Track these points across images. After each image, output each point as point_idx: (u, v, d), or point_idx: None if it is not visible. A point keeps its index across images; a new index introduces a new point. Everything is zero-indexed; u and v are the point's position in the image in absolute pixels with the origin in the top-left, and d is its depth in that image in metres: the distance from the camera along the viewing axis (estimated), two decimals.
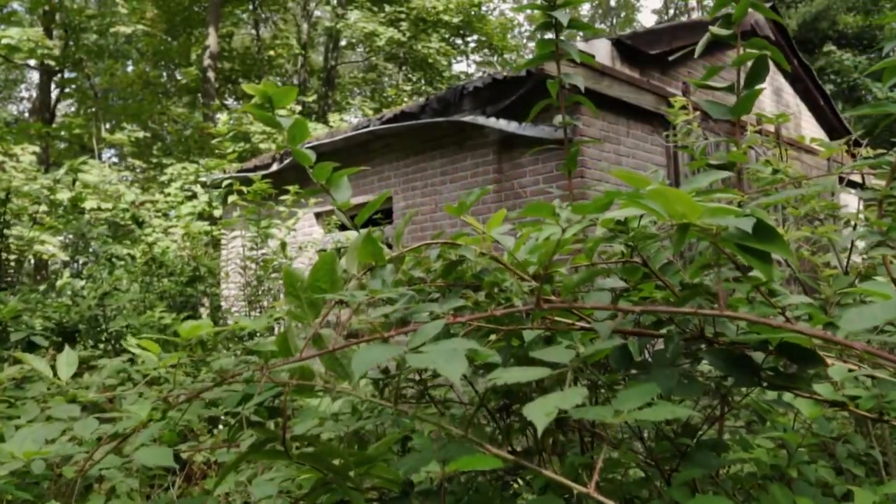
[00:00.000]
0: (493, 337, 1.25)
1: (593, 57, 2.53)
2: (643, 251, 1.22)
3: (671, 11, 37.07)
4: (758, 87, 2.06)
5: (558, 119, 2.45)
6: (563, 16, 2.21)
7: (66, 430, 1.49)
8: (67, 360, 1.26)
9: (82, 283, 6.42)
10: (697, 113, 2.74)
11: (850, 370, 1.12)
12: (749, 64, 2.09)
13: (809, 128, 9.18)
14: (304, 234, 8.10)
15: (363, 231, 1.08)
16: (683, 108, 2.77)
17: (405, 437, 1.36)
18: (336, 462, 1.07)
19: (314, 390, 0.97)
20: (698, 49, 2.27)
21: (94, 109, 18.56)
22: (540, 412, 0.63)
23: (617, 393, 1.63)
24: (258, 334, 4.77)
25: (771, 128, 6.72)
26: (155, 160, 16.89)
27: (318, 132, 13.07)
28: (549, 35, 2.45)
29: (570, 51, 2.23)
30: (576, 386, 0.76)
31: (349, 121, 19.06)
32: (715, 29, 2.15)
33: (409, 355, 0.71)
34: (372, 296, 1.08)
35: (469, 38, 21.16)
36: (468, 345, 0.77)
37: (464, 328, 1.17)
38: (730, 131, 6.94)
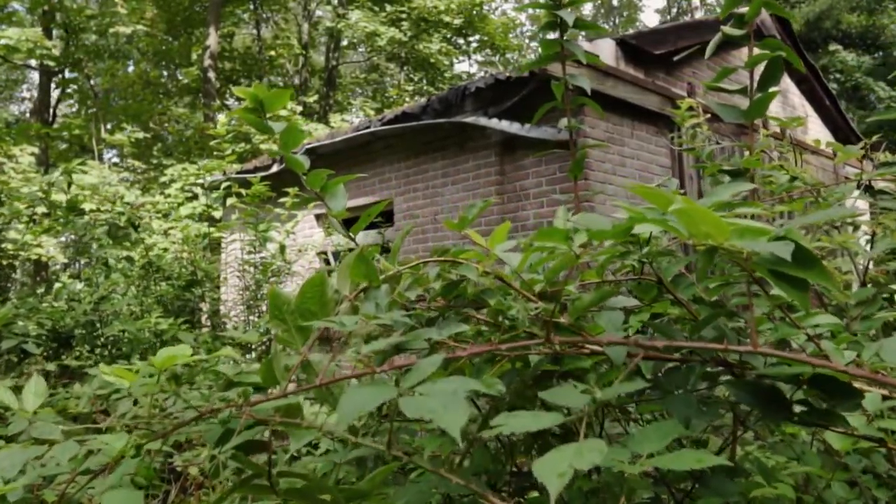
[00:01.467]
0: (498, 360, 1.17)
1: (597, 57, 2.44)
2: (658, 267, 1.14)
3: (674, 11, 36.96)
4: (771, 90, 1.97)
5: (564, 122, 2.36)
6: (568, 16, 2.12)
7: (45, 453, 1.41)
8: (35, 389, 1.17)
9: (81, 285, 6.35)
10: (708, 115, 2.65)
11: (885, 398, 1.03)
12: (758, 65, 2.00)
13: (815, 128, 9.09)
14: (305, 236, 8.02)
15: (355, 249, 1.00)
16: (691, 109, 2.68)
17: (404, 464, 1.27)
18: (326, 497, 0.99)
19: (302, 427, 0.89)
20: (709, 50, 2.18)
21: (94, 110, 18.49)
22: (552, 473, 0.54)
23: (627, 411, 1.54)
24: (252, 348, 4.67)
25: (776, 127, 6.63)
26: (155, 161, 16.82)
27: (318, 133, 13.00)
28: (554, 35, 2.37)
29: (575, 51, 2.14)
30: (592, 437, 0.68)
31: (350, 121, 18.99)
32: (727, 29, 2.06)
33: (403, 401, 0.63)
34: (365, 320, 0.99)
35: (471, 38, 21.07)
36: (469, 384, 0.69)
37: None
38: (736, 133, 6.85)
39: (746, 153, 2.20)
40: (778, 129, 6.78)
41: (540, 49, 2.23)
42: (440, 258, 1.06)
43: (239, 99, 22.39)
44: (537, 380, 1.18)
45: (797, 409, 0.92)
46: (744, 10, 2.11)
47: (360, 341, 0.98)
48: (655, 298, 1.24)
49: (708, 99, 6.91)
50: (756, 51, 1.98)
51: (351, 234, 1.67)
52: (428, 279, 1.13)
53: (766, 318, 1.22)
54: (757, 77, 2.05)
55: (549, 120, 5.70)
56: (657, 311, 1.36)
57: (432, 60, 18.83)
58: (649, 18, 64.88)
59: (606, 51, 5.94)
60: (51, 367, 2.94)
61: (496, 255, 1.04)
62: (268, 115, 1.69)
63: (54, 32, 17.83)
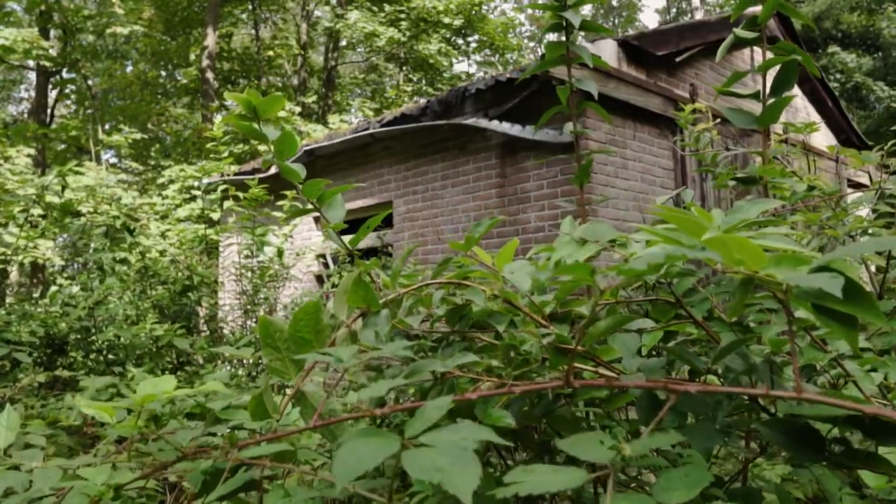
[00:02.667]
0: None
1: (600, 59, 2.37)
2: (678, 289, 1.06)
3: (673, 11, 36.91)
4: (786, 94, 1.90)
5: (569, 126, 2.29)
6: (574, 17, 2.05)
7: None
8: (8, 423, 1.10)
9: (76, 288, 6.27)
10: (718, 120, 2.57)
11: None
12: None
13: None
14: (303, 239, 7.94)
15: (353, 271, 0.92)
16: (698, 112, 2.60)
17: None
18: None
19: (294, 475, 0.82)
20: (720, 53, 2.11)
21: (91, 111, 18.40)
22: None
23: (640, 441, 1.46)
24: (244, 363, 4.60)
25: (778, 128, 6.56)
26: (153, 162, 16.74)
27: (316, 134, 12.91)
28: (556, 37, 2.30)
29: (582, 54, 2.07)
30: (617, 492, 0.60)
31: (349, 121, 18.91)
32: (739, 31, 1.98)
33: (407, 457, 0.55)
34: (363, 348, 0.92)
35: (470, 38, 20.98)
36: (480, 433, 0.62)
37: (470, 383, 1.01)
38: (740, 135, 6.78)
39: (759, 160, 2.13)
40: (780, 131, 6.70)
41: (544, 50, 2.16)
42: (445, 280, 0.99)
43: None
44: (547, 406, 1.11)
45: (833, 447, 0.85)
46: (755, 9, 2.04)
47: (359, 370, 0.91)
48: (671, 319, 1.17)
49: (713, 101, 6.84)
50: (766, 54, 1.91)
51: (349, 248, 1.60)
52: (430, 300, 1.06)
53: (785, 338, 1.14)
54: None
55: (551, 122, 5.63)
56: (672, 328, 1.29)
57: (431, 61, 18.75)
58: (649, 18, 64.85)
59: (608, 52, 5.87)
60: (41, 377, 2.87)
61: (504, 278, 0.97)
62: (262, 121, 1.62)
63: (52, 33, 17.75)
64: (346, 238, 1.63)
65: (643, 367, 1.06)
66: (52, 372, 3.07)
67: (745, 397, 1.03)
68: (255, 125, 1.57)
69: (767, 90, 1.97)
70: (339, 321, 0.94)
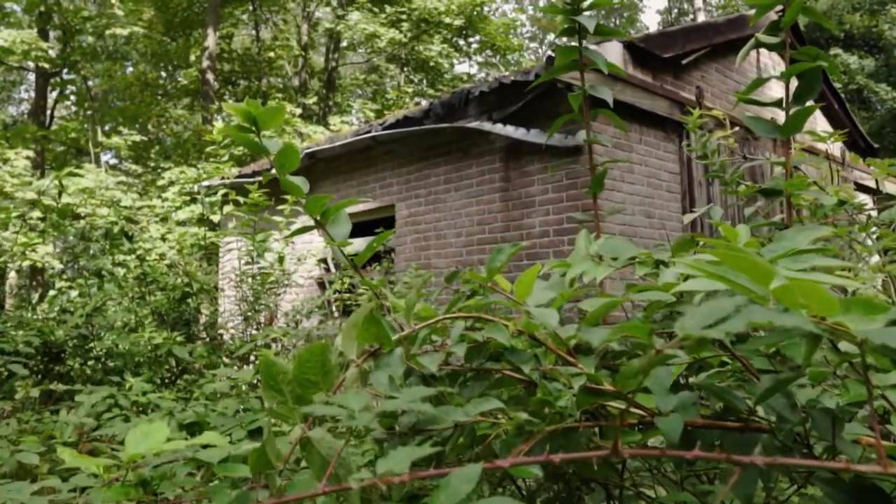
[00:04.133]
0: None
1: (613, 65, 2.29)
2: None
3: (674, 12, 36.84)
4: (810, 104, 1.82)
5: (582, 135, 2.20)
6: (588, 21, 1.96)
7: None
8: None
9: (75, 293, 6.19)
10: (737, 128, 2.48)
11: None
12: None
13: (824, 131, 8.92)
14: (305, 243, 7.85)
15: (364, 306, 0.84)
16: (715, 118, 2.52)
17: None
18: None
19: None
20: (740, 58, 2.03)
21: (90, 113, 18.32)
22: None
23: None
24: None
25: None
26: (153, 164, 16.66)
27: (318, 136, 12.83)
28: (566, 41, 2.21)
29: (597, 60, 1.98)
30: None
31: (350, 122, 18.82)
32: (762, 36, 1.90)
33: None
34: (376, 393, 0.83)
35: (471, 39, 20.90)
36: None
37: (493, 429, 0.92)
38: (743, 140, 6.69)
39: (780, 170, 2.05)
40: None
41: (550, 52, 2.08)
42: (466, 315, 0.90)
43: (238, 101, 22.23)
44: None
45: None
46: (759, 12, 1.96)
47: (374, 417, 0.82)
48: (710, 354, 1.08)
49: (719, 105, 6.75)
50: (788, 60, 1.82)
51: (356, 265, 1.51)
52: (446, 330, 0.97)
53: (832, 372, 1.06)
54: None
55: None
56: (703, 356, 1.21)
57: (432, 63, 18.67)
58: (650, 19, 64.78)
59: (614, 54, 5.78)
60: (35, 392, 2.79)
61: (530, 312, 0.88)
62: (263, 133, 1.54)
63: (51, 34, 17.68)
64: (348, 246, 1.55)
65: (678, 405, 0.98)
66: (48, 385, 2.99)
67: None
68: (256, 137, 1.49)
69: (790, 97, 1.89)
70: (347, 360, 0.86)
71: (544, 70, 5.17)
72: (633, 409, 1.01)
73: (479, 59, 23.22)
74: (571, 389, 0.78)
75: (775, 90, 7.35)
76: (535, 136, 5.54)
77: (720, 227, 1.40)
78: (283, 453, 0.84)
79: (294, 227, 6.02)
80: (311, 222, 1.48)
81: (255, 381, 4.75)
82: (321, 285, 7.77)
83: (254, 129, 1.48)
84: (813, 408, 0.87)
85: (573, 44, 2.00)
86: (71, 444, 2.52)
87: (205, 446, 1.16)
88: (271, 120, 1.46)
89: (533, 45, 37.88)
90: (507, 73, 6.21)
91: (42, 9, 16.06)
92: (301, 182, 1.53)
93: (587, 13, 2.01)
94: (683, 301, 1.02)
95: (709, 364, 1.20)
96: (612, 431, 0.93)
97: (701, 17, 24.31)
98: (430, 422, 0.78)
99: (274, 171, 1.53)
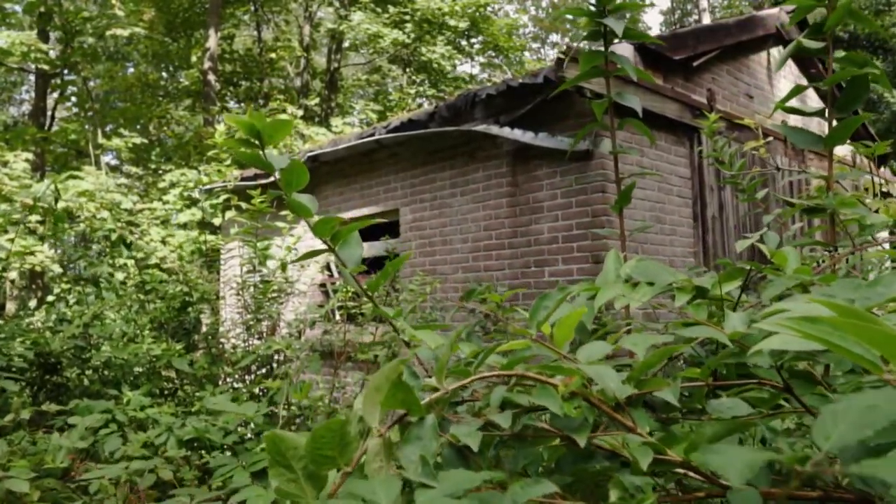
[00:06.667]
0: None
1: (642, 70, 2.16)
2: (792, 382, 0.84)
3: (678, 13, 36.70)
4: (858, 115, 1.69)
5: (607, 144, 2.07)
6: (616, 24, 1.83)
7: None
8: None
9: (74, 298, 6.06)
10: (770, 139, 2.35)
11: None
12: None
13: None
14: (308, 247, 7.72)
15: (391, 364, 0.71)
16: (747, 128, 2.38)
17: None
18: None
19: None
20: (778, 63, 1.90)
21: (91, 114, 18.20)
22: None
23: None
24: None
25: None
26: (153, 166, 16.54)
27: (320, 138, 12.70)
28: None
29: (625, 66, 1.85)
30: None
31: (352, 123, 18.69)
32: (805, 41, 1.77)
33: None
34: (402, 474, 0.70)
35: (474, 40, 20.75)
36: None
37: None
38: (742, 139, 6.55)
39: (819, 182, 1.91)
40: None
41: (580, 65, 1.95)
42: (507, 373, 0.77)
43: (239, 101, 22.10)
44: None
45: None
46: (771, 11, 1.83)
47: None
48: (776, 405, 0.95)
49: (730, 108, 6.61)
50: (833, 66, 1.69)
51: (368, 293, 1.38)
52: (480, 392, 0.84)
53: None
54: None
55: (565, 129, 5.41)
56: (757, 395, 1.08)
57: (435, 66, 18.53)
58: (652, 19, 64.62)
59: (625, 56, 5.64)
60: (26, 413, 2.66)
61: (584, 375, 0.75)
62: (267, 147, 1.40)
63: (52, 35, 17.56)
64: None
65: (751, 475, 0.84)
66: (40, 406, 2.86)
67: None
68: (260, 152, 1.36)
69: (834, 106, 1.76)
70: (368, 427, 0.73)
71: (553, 72, 5.03)
72: (694, 475, 0.88)
73: (482, 59, 23.09)
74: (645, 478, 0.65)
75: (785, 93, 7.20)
76: (543, 139, 5.41)
77: (776, 257, 1.26)
78: None
79: (296, 233, 5.84)
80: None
81: (255, 392, 4.62)
82: (324, 290, 7.64)
83: (258, 143, 1.35)
84: None
85: (598, 48, 1.87)
86: (63, 471, 2.39)
87: None
88: (277, 134, 1.32)
89: (534, 45, 37.71)
90: (513, 76, 6.08)
91: (42, 9, 15.95)
92: (309, 201, 1.40)
93: (613, 16, 1.88)
94: (755, 352, 0.89)
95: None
96: None
97: (706, 18, 24.15)
98: None
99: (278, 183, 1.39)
